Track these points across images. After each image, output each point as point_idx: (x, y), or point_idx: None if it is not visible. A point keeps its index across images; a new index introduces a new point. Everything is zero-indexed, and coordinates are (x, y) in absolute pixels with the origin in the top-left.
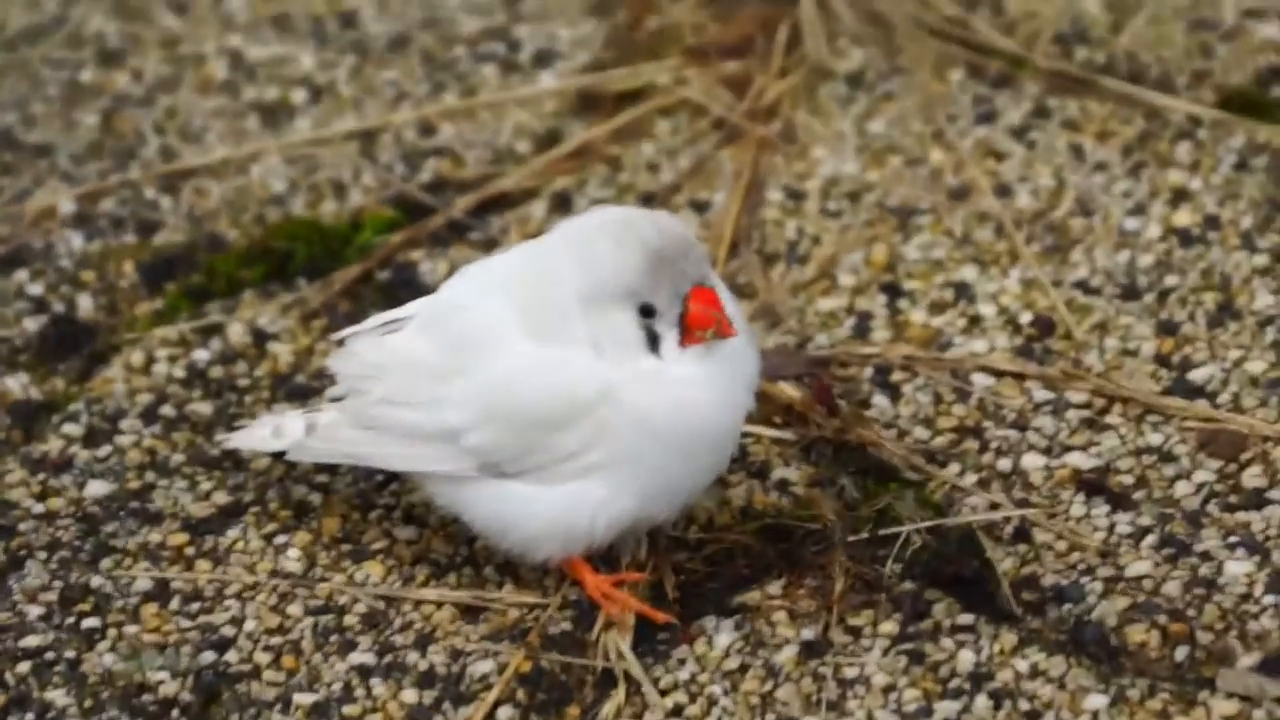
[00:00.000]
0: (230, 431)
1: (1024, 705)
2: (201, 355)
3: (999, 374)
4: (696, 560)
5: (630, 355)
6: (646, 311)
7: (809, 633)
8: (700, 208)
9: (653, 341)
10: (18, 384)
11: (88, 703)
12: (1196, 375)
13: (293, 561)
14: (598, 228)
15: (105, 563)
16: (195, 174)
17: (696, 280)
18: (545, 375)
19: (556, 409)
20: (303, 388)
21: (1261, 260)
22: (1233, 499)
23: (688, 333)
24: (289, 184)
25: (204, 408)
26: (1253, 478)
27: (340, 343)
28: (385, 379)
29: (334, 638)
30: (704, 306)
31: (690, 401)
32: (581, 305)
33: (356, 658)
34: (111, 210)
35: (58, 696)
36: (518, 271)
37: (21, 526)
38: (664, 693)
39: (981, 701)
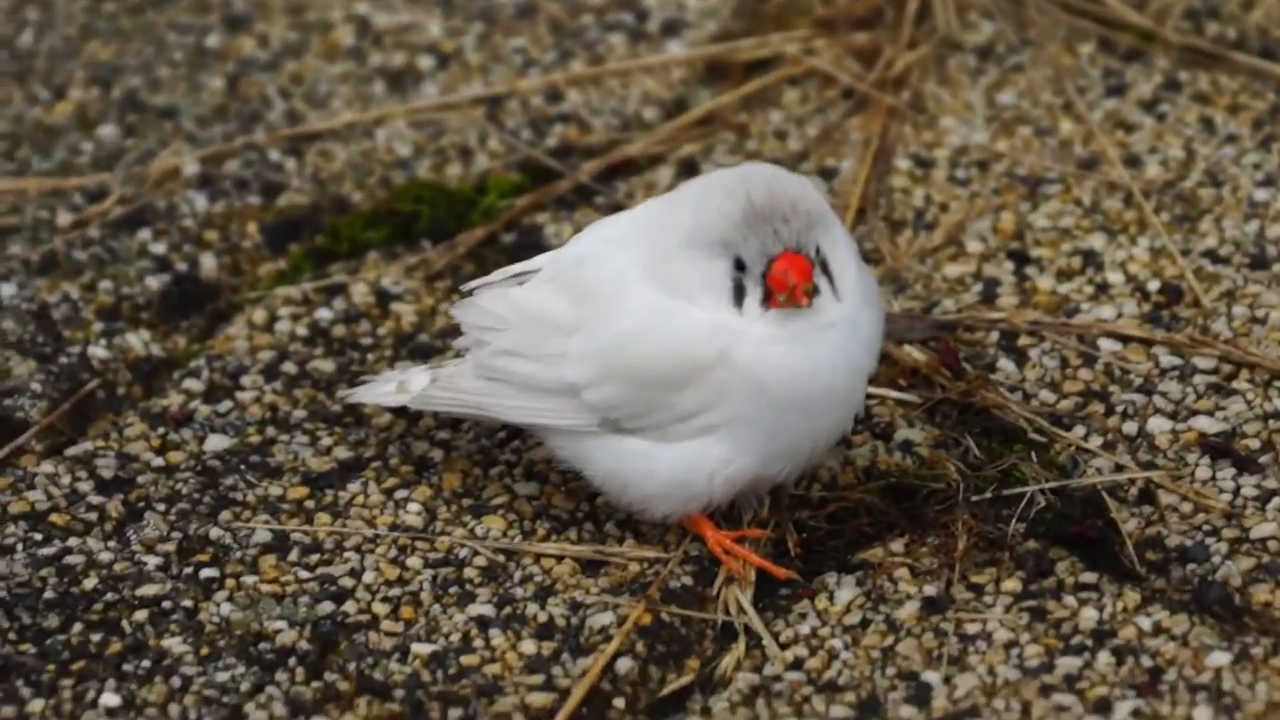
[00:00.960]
0: (353, 387)
1: (1146, 662)
2: (324, 314)
3: (1125, 339)
4: (819, 518)
5: (714, 302)
6: (738, 265)
7: (931, 589)
8: (828, 175)
9: (738, 295)
10: (139, 341)
11: (204, 650)
12: None
13: (413, 515)
14: (717, 179)
15: (224, 515)
16: (320, 138)
17: (793, 245)
18: (663, 336)
19: (674, 370)
20: (426, 346)
21: None
22: None
23: (771, 295)
24: (414, 148)
25: (326, 365)
26: None
27: (468, 294)
28: (508, 331)
29: (453, 589)
30: (783, 269)
31: (805, 364)
32: (684, 250)
33: (475, 609)
34: (235, 172)
35: (174, 644)
36: (641, 222)
37: (140, 479)
38: (784, 646)
39: (1103, 658)
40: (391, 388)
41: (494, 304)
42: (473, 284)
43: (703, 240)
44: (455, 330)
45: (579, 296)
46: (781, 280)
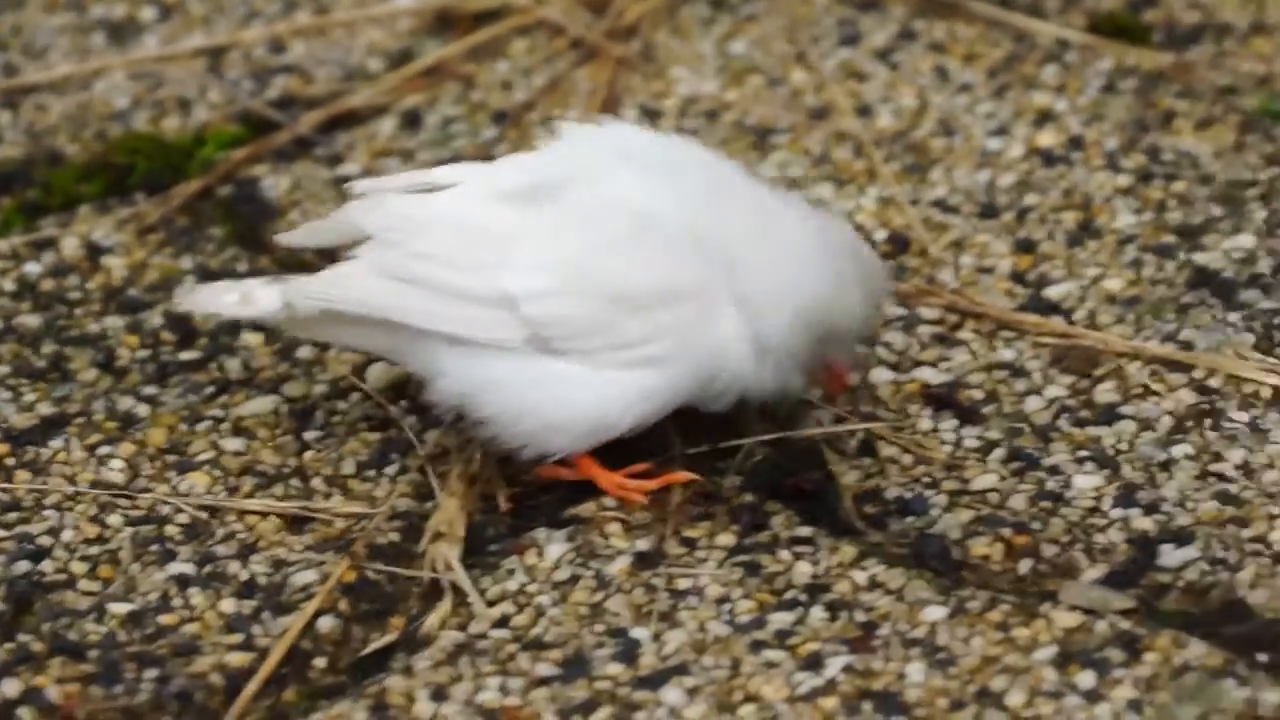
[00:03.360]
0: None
1: (860, 616)
2: (33, 269)
3: None
4: (530, 471)
5: (783, 371)
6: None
7: (643, 544)
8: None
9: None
10: None
11: None
12: (1052, 292)
13: (115, 472)
14: (845, 243)
15: None
16: (37, 90)
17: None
18: (649, 254)
19: (647, 289)
20: (136, 300)
21: (1124, 180)
22: (1084, 414)
23: (831, 383)
24: (132, 100)
25: (32, 320)
26: (1105, 393)
27: (356, 195)
28: (429, 235)
29: (153, 548)
30: (841, 379)
31: (768, 375)
32: (788, 320)
33: (176, 568)
34: None
35: None
36: (698, 181)
37: None
38: (491, 603)
39: (817, 612)
40: (234, 298)
41: (411, 207)
42: (365, 184)
43: (820, 330)
44: (166, 285)
45: (557, 209)
46: (842, 386)
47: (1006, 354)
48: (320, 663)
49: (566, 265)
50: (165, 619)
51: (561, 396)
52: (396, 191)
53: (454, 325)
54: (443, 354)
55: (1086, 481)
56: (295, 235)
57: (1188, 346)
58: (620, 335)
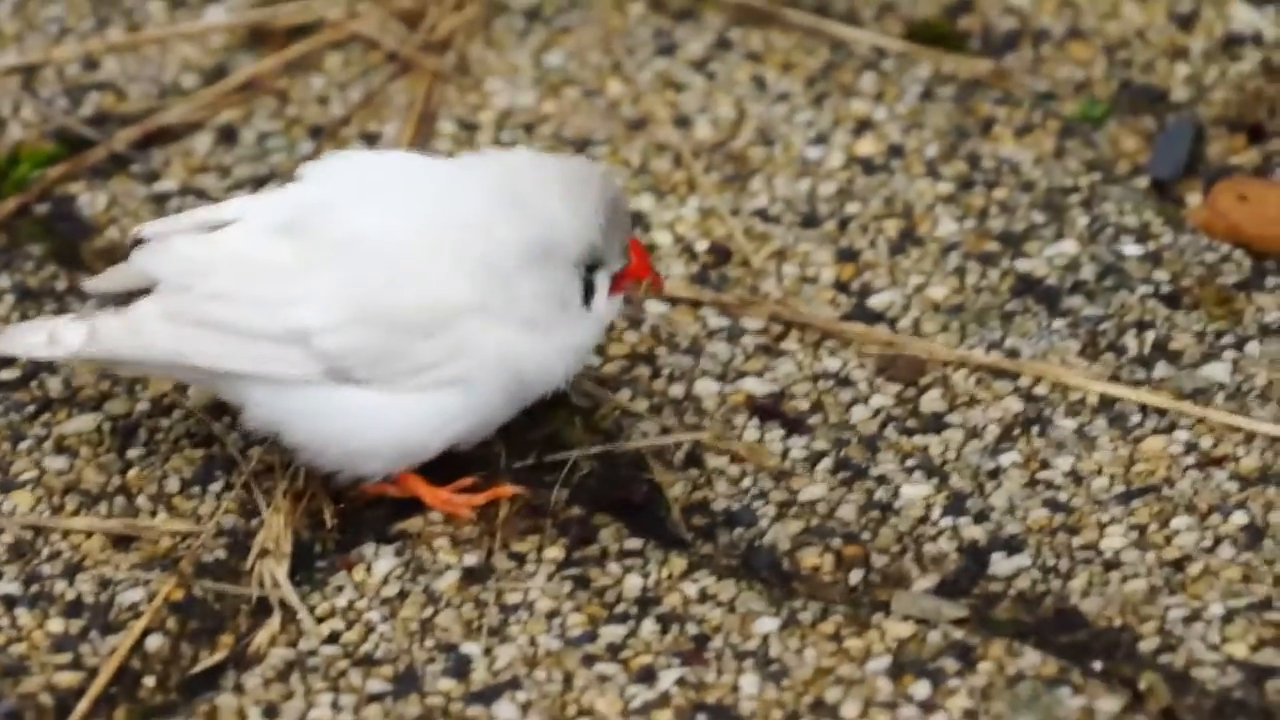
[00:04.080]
0: None
1: (692, 629)
2: None
3: (673, 301)
4: (356, 488)
5: (567, 311)
6: (592, 266)
7: (471, 559)
8: (370, 140)
9: (587, 294)
10: None
11: None
12: (876, 301)
13: None
14: (540, 181)
15: None
16: None
17: (631, 231)
18: (424, 279)
19: (431, 313)
20: None
21: (945, 188)
22: (911, 423)
23: (617, 283)
24: None
25: None
26: (931, 401)
27: (138, 241)
28: (215, 275)
29: None
30: (642, 259)
31: (565, 361)
32: (524, 263)
33: (2, 588)
34: None
35: None
36: (427, 204)
37: None
38: (320, 620)
39: (648, 625)
40: (41, 338)
41: (194, 248)
42: (150, 227)
43: (553, 255)
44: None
45: (325, 243)
46: (646, 267)
47: (832, 363)
48: (150, 681)
49: (348, 298)
50: None
51: (366, 424)
52: (182, 232)
53: (251, 364)
54: (245, 388)
55: (915, 491)
56: (101, 281)
57: (1013, 354)
58: (415, 360)
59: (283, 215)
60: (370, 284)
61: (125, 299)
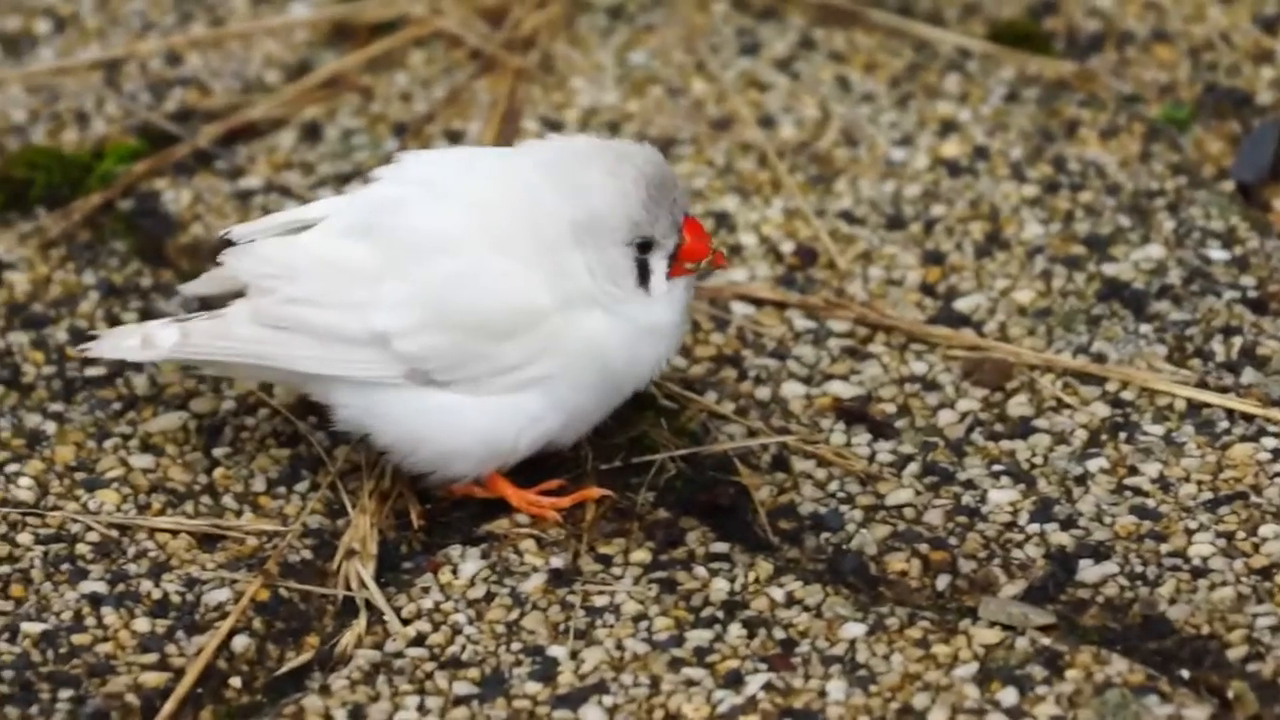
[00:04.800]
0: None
1: (779, 634)
2: None
3: (759, 303)
4: (443, 488)
5: (621, 290)
6: (643, 246)
7: (558, 561)
8: (454, 137)
9: (642, 275)
10: None
11: None
12: (962, 304)
13: (24, 490)
14: (585, 155)
15: None
16: None
17: (686, 210)
18: (500, 280)
19: (508, 316)
20: (40, 316)
21: (1031, 190)
22: (998, 427)
23: (677, 264)
24: (29, 114)
25: None
26: (1018, 406)
27: (228, 242)
28: (299, 278)
29: (65, 566)
30: (699, 237)
31: (650, 345)
32: (574, 235)
33: (88, 586)
34: None
35: None
36: (485, 186)
37: None
38: (406, 621)
39: (735, 630)
40: (135, 341)
41: (278, 251)
42: (239, 229)
43: (602, 228)
44: (70, 300)
45: (397, 245)
46: (701, 248)
47: (918, 367)
48: (236, 682)
49: (422, 301)
50: (79, 639)
51: (451, 426)
52: (268, 234)
53: (335, 367)
54: (335, 389)
55: (1002, 496)
56: (197, 284)
57: (1100, 359)
58: (497, 361)
59: (358, 217)
60: (442, 287)
61: (221, 301)
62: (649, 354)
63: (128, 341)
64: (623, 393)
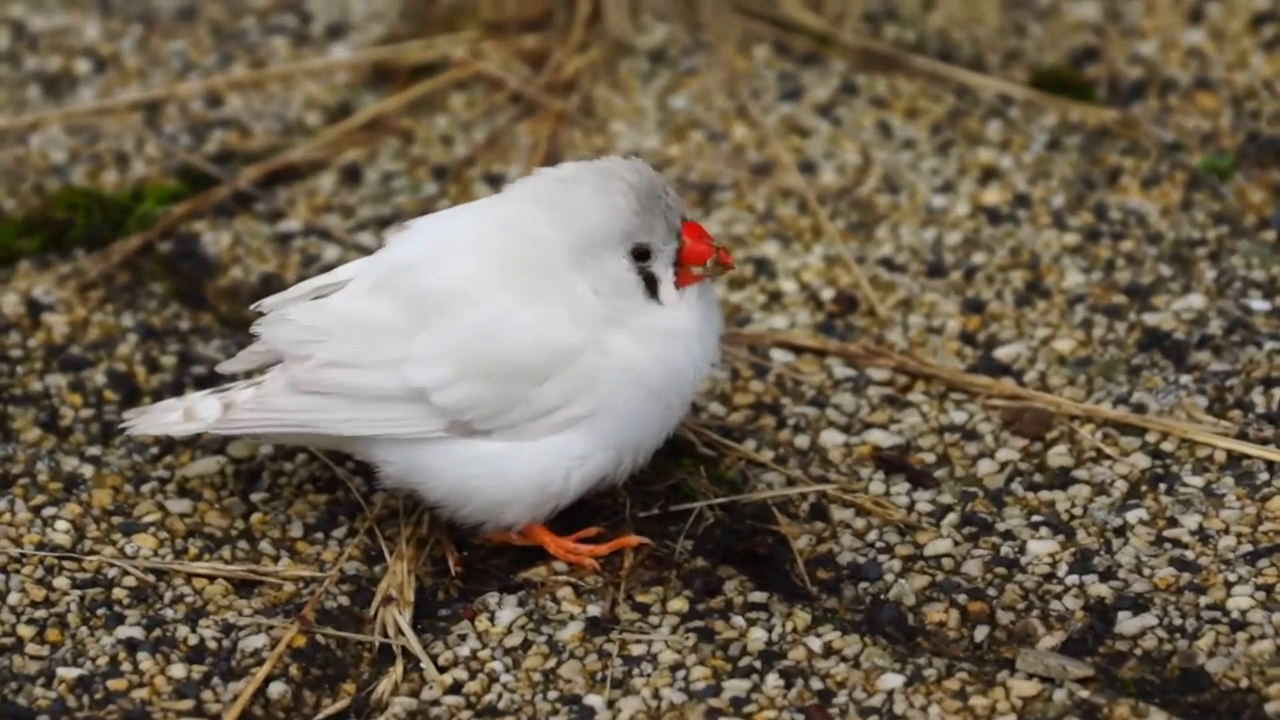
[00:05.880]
0: (130, 418)
1: (816, 684)
2: None
3: (798, 350)
4: (479, 535)
5: (631, 303)
6: (640, 255)
7: (595, 609)
8: (495, 181)
9: (650, 286)
10: None
11: None
12: (1002, 353)
13: (61, 534)
14: (571, 179)
15: None
16: None
17: (683, 214)
18: (528, 325)
19: (541, 359)
20: (78, 359)
21: (1072, 239)
22: (1037, 477)
23: (683, 271)
24: (69, 154)
25: None
26: (1058, 456)
27: (259, 313)
28: (331, 342)
29: (101, 611)
30: (699, 239)
31: (682, 350)
32: (573, 259)
33: (124, 631)
34: None
35: None
36: (486, 231)
37: None
38: (443, 669)
39: (772, 680)
40: (177, 416)
41: (309, 316)
42: (269, 300)
43: (595, 242)
44: (108, 342)
45: (419, 301)
46: (705, 249)
47: (958, 416)
48: None
49: (458, 352)
50: (115, 684)
51: (499, 474)
52: (298, 301)
53: (377, 427)
54: (378, 448)
55: (1041, 547)
56: (235, 363)
57: (1140, 409)
58: (537, 405)
59: (380, 277)
60: (471, 337)
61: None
62: (682, 360)
63: (169, 416)
64: (671, 409)
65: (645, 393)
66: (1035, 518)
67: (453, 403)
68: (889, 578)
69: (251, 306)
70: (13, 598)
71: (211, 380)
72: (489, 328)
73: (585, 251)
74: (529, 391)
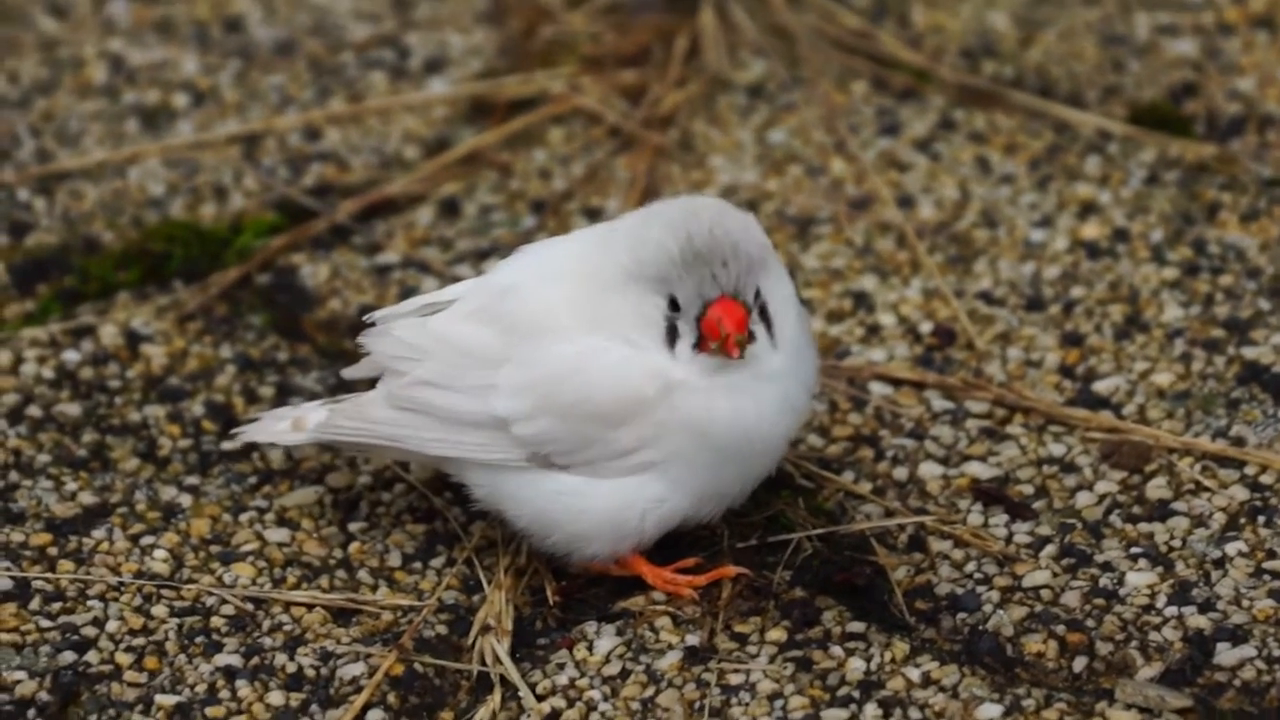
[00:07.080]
0: (241, 426)
1: (914, 714)
2: (72, 356)
3: (897, 383)
4: (579, 565)
5: (649, 339)
6: (674, 305)
7: (693, 639)
8: (593, 215)
9: (671, 336)
10: None
11: None
12: (1101, 386)
13: (159, 562)
14: (660, 211)
15: None
16: (71, 176)
17: (731, 290)
18: (606, 371)
19: (615, 406)
20: (176, 390)
21: (1171, 273)
22: (1135, 510)
23: (703, 340)
24: (167, 187)
25: (72, 408)
26: (1156, 489)
27: (371, 324)
28: (427, 361)
29: (199, 639)
30: (719, 316)
31: (746, 413)
32: (621, 284)
33: (222, 659)
34: None
35: None
36: (580, 256)
37: None
38: (541, 697)
39: (870, 710)
40: (286, 425)
41: (411, 333)
42: (379, 313)
43: (641, 275)
44: (206, 373)
45: (506, 328)
46: (715, 328)
47: (1056, 449)
48: None
49: (538, 388)
50: (212, 711)
51: (576, 509)
52: (406, 316)
53: (461, 449)
54: (467, 469)
55: (1140, 578)
56: (356, 369)
57: (1239, 443)
58: (612, 446)
59: (480, 301)
60: (552, 374)
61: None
62: (752, 416)
63: (278, 425)
64: (747, 461)
65: (710, 450)
66: (1134, 549)
67: (532, 436)
68: (987, 608)
69: (364, 317)
70: (111, 625)
71: None
72: (569, 369)
73: (633, 278)
74: (605, 434)
